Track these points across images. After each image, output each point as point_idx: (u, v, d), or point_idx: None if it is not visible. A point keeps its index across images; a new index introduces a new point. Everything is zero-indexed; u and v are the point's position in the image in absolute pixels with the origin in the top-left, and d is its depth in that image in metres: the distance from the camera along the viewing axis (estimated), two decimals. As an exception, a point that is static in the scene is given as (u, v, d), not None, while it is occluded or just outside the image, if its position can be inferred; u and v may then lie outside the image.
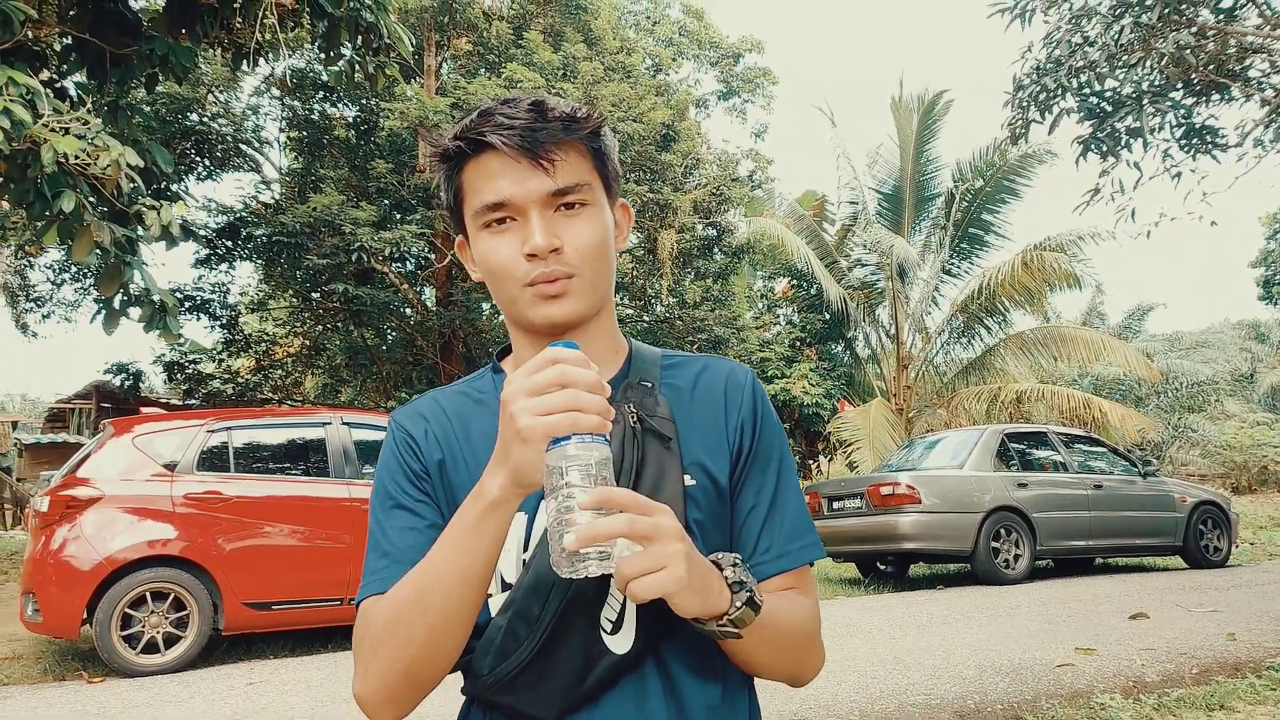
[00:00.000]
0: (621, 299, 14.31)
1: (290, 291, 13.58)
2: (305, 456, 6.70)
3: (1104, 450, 11.00)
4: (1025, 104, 6.80)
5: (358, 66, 7.91)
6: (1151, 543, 10.32)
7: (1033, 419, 16.47)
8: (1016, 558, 9.21)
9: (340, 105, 13.67)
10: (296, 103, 13.12)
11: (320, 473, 6.55)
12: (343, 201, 10.79)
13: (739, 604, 0.87)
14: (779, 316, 18.81)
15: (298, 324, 14.44)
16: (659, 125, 11.61)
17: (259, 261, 13.11)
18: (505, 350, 1.15)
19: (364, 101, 12.71)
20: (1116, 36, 6.13)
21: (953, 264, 17.81)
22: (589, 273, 0.99)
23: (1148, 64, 6.72)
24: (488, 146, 0.96)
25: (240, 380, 14.05)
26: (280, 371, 14.63)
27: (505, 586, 0.98)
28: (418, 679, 0.91)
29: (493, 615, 0.97)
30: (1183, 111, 7.52)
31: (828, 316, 17.54)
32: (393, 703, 0.92)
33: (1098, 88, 6.77)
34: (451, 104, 10.89)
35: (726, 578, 0.87)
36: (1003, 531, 9.20)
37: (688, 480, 1.00)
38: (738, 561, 0.89)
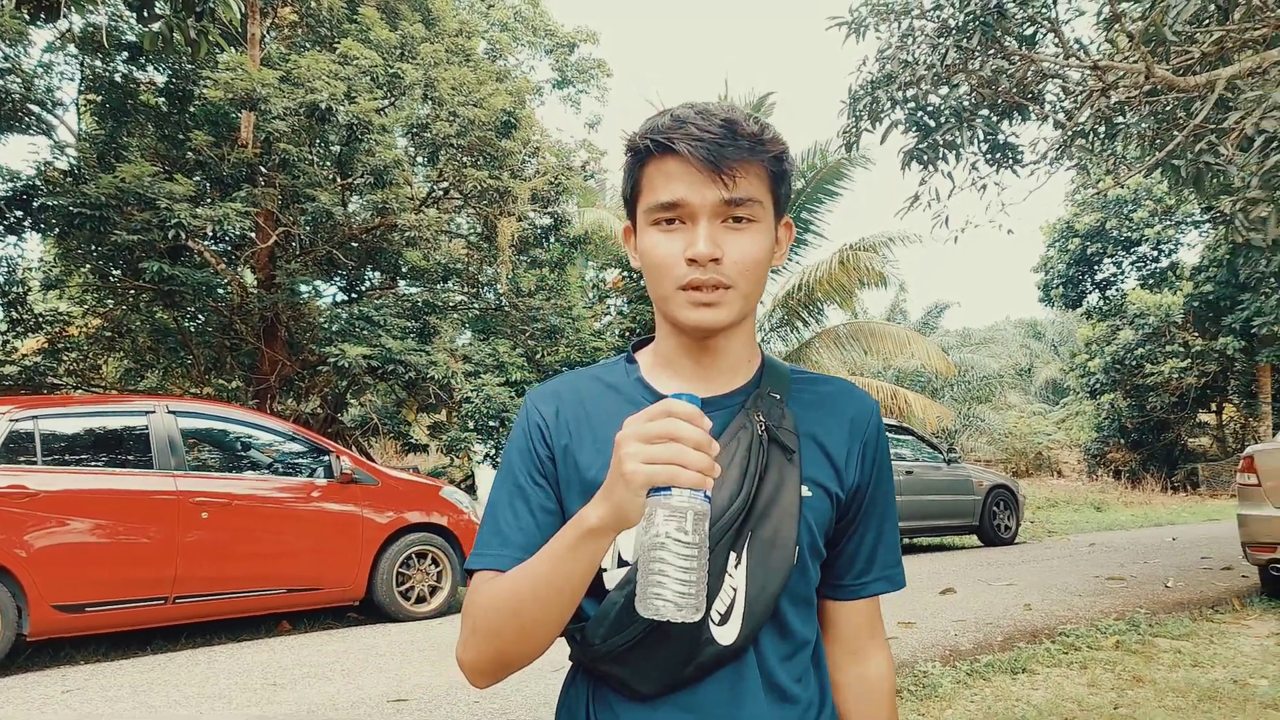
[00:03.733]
0: (453, 285, 14.07)
1: (88, 267, 12.51)
2: (125, 447, 6.24)
3: (912, 438, 11.83)
4: (860, 114, 7.21)
5: (176, 30, 7.35)
6: (953, 523, 11.23)
7: (846, 409, 17.44)
8: (836, 540, 9.78)
9: (148, 69, 12.67)
10: (98, 62, 12.07)
11: (143, 465, 6.11)
12: (155, 173, 10.03)
13: None
14: (609, 307, 19.02)
15: (96, 303, 13.30)
16: (499, 111, 11.46)
17: (51, 234, 11.98)
18: (641, 342, 1.20)
19: (176, 67, 11.84)
20: (941, 57, 6.60)
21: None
22: (744, 285, 1.03)
23: (965, 85, 7.30)
24: (669, 150, 1.01)
25: (27, 364, 12.80)
26: (75, 354, 13.43)
27: (622, 563, 1.04)
28: (507, 663, 1.00)
29: (609, 589, 1.03)
30: (989, 129, 8.20)
31: (656, 308, 17.91)
32: (486, 673, 1.01)
33: (924, 103, 7.26)
34: (281, 77, 10.33)
35: None
36: (824, 516, 9.74)
37: (805, 491, 1.07)
38: None
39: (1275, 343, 20.13)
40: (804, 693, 1.07)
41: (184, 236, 9.85)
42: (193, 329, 13.10)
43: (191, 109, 11.73)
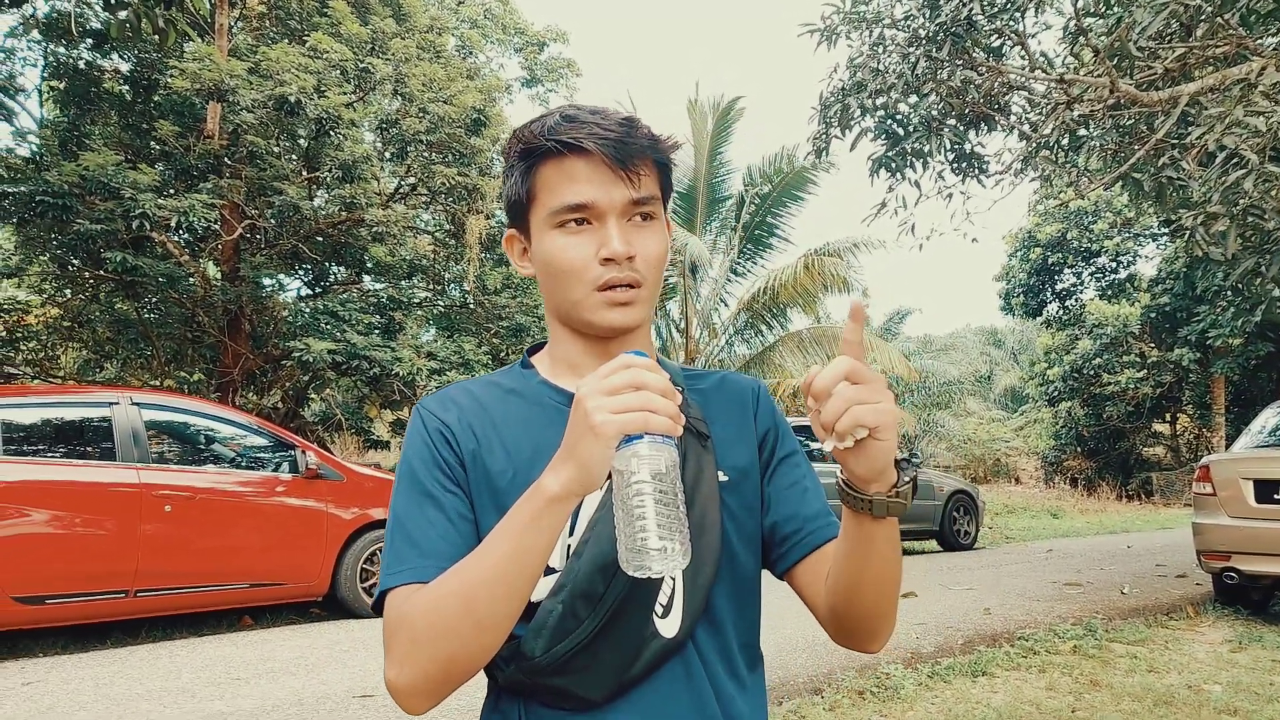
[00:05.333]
0: (419, 281, 13.99)
1: (48, 256, 12.29)
2: (88, 438, 6.13)
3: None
4: (830, 121, 7.29)
5: (144, 18, 7.23)
6: (914, 528, 11.36)
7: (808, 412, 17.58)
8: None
9: (113, 56, 12.48)
10: (62, 49, 11.87)
11: (106, 456, 6.02)
12: (119, 162, 9.88)
13: (906, 479, 0.90)
14: (576, 306, 18.98)
15: (55, 292, 13.07)
16: (469, 109, 11.43)
17: (10, 222, 11.74)
18: (535, 347, 1.18)
19: (142, 55, 11.68)
20: (911, 66, 6.69)
21: (740, 264, 18.68)
22: (652, 282, 1.04)
23: (934, 94, 7.40)
24: (575, 150, 0.99)
25: (-18, 352, 12.54)
26: (33, 343, 13.19)
27: (548, 571, 0.98)
28: (457, 671, 0.91)
29: (540, 600, 0.98)
30: (956, 139, 8.33)
31: (622, 309, 17.91)
32: (428, 694, 0.92)
33: (894, 112, 7.34)
34: (249, 69, 10.21)
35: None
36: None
37: (721, 476, 1.07)
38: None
39: (1230, 355, 20.60)
40: (743, 690, 1.06)
41: (148, 227, 9.70)
42: (154, 320, 12.90)
43: (157, 98, 11.57)
